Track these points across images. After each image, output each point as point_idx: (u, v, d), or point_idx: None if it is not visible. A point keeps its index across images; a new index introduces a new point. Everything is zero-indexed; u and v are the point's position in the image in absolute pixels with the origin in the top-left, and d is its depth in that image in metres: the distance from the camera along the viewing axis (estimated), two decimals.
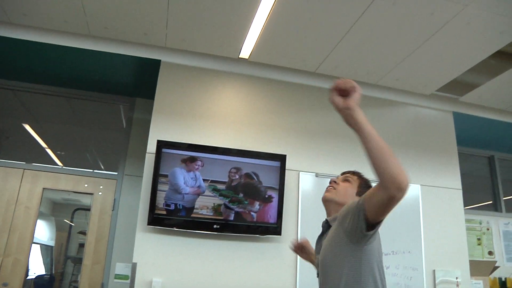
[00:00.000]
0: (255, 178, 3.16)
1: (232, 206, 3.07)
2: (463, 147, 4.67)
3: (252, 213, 3.10)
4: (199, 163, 3.08)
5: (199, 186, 3.05)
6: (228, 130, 3.35)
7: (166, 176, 3.02)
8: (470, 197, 4.48)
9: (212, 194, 3.06)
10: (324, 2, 2.72)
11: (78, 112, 4.31)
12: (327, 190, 1.75)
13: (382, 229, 1.46)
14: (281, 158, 3.25)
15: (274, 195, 3.15)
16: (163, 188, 2.99)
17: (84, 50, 3.27)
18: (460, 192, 3.85)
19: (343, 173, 1.81)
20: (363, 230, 1.36)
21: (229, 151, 3.19)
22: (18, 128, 4.15)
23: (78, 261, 4.04)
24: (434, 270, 3.50)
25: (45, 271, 4.31)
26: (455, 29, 2.90)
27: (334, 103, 1.32)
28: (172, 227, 2.97)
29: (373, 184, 1.35)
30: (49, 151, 4.23)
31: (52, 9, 2.94)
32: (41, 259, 4.31)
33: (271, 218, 3.10)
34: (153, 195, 2.97)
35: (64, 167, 4.01)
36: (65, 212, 4.56)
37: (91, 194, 3.87)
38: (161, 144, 3.07)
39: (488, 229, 4.64)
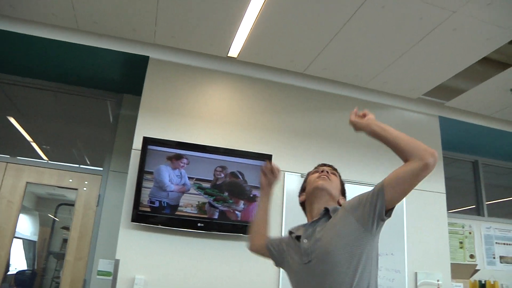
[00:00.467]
0: (240, 177, 3.16)
1: (216, 205, 3.07)
2: (448, 151, 4.73)
3: (236, 212, 3.10)
4: (185, 160, 3.07)
5: (184, 184, 3.05)
6: (214, 128, 3.34)
7: (151, 173, 3.00)
8: (453, 201, 4.54)
9: (197, 192, 3.05)
10: (313, 4, 2.74)
11: (64, 107, 4.27)
12: (321, 178, 1.66)
13: None
14: (267, 158, 3.24)
15: (259, 194, 3.15)
16: (148, 185, 2.98)
17: (72, 44, 3.23)
18: (444, 196, 3.89)
19: (322, 165, 1.76)
20: (382, 215, 1.42)
21: (215, 150, 3.18)
22: (2, 121, 4.09)
23: (61, 256, 4.01)
24: (416, 273, 3.54)
25: (27, 267, 4.26)
26: (442, 34, 2.93)
27: (355, 123, 1.60)
28: (156, 224, 2.96)
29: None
30: (34, 145, 4.19)
31: (39, 1, 2.90)
32: (24, 254, 4.26)
33: None
34: (138, 192, 2.95)
35: (49, 162, 3.97)
36: (49, 207, 4.51)
37: (76, 189, 3.83)
38: (147, 141, 3.06)
39: (470, 233, 4.70)
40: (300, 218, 1.78)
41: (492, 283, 4.19)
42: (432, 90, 3.78)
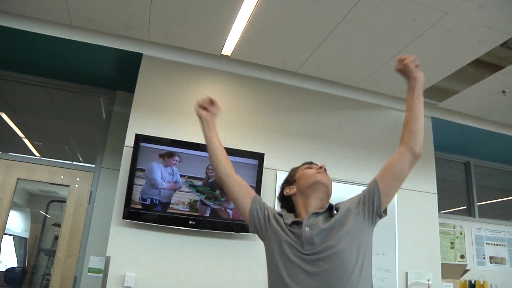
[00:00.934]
0: None
1: (208, 203, 3.07)
2: (440, 152, 4.75)
3: (228, 210, 3.10)
4: (177, 158, 3.07)
5: (176, 182, 3.04)
6: None
7: (143, 170, 2.99)
8: (445, 202, 4.57)
9: (188, 190, 3.05)
10: (307, 4, 2.74)
11: (57, 103, 4.24)
12: (322, 175, 1.63)
13: None
14: (259, 157, 3.26)
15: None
16: (139, 182, 2.97)
17: (65, 40, 3.21)
18: (435, 196, 3.91)
19: (311, 163, 1.74)
20: (380, 211, 1.51)
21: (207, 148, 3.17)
22: None
23: (52, 253, 3.99)
24: (406, 272, 3.56)
25: (18, 264, 4.24)
26: (435, 36, 2.95)
27: (408, 65, 1.57)
28: (148, 222, 2.95)
29: None
30: (26, 141, 4.16)
31: None
32: (14, 251, 4.24)
33: None
34: (129, 189, 2.94)
35: (40, 158, 3.95)
36: (41, 203, 4.50)
37: (67, 186, 3.81)
38: (139, 138, 3.05)
39: (461, 233, 4.74)
40: None
41: (481, 283, 4.22)
42: (425, 91, 3.72)
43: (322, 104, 3.76)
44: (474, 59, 3.22)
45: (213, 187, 3.10)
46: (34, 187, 4.31)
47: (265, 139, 3.47)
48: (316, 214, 1.55)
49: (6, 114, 4.07)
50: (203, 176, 3.11)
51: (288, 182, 1.73)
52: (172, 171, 3.05)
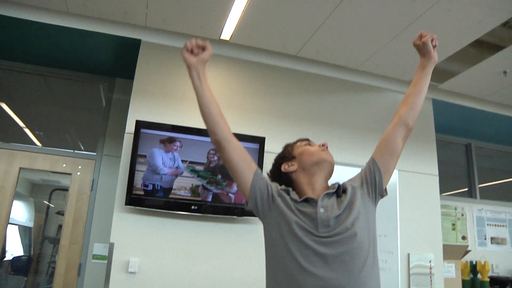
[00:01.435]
0: None
1: (210, 188, 3.08)
2: (441, 134, 4.75)
3: (230, 194, 3.11)
4: (178, 144, 3.07)
5: (177, 167, 3.05)
6: None
7: (144, 156, 3.00)
8: (446, 184, 4.58)
9: (190, 175, 3.06)
10: None
11: (56, 91, 4.23)
12: (328, 153, 1.60)
13: None
14: (260, 141, 3.25)
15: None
16: (141, 168, 2.98)
17: (62, 28, 3.19)
18: (437, 178, 3.92)
19: (306, 139, 1.71)
20: (381, 190, 1.53)
21: (208, 133, 3.17)
22: None
23: (57, 241, 4.02)
24: (408, 254, 3.58)
25: (24, 252, 4.28)
26: (436, 16, 2.92)
27: (427, 43, 1.60)
28: (150, 208, 2.97)
29: None
30: (27, 130, 4.16)
31: None
32: (20, 240, 4.27)
33: None
34: (131, 176, 2.95)
35: (42, 147, 3.96)
36: (44, 193, 4.51)
37: (69, 174, 3.82)
38: (139, 125, 3.04)
39: (462, 215, 4.76)
40: None
41: (483, 263, 4.25)
42: None
43: (322, 87, 3.75)
44: (475, 39, 3.19)
45: (215, 172, 3.11)
46: (36, 177, 4.32)
47: (265, 123, 3.47)
48: (328, 195, 1.48)
49: (6, 104, 4.07)
50: (205, 161, 3.11)
51: (285, 158, 1.65)
52: (173, 156, 3.05)
